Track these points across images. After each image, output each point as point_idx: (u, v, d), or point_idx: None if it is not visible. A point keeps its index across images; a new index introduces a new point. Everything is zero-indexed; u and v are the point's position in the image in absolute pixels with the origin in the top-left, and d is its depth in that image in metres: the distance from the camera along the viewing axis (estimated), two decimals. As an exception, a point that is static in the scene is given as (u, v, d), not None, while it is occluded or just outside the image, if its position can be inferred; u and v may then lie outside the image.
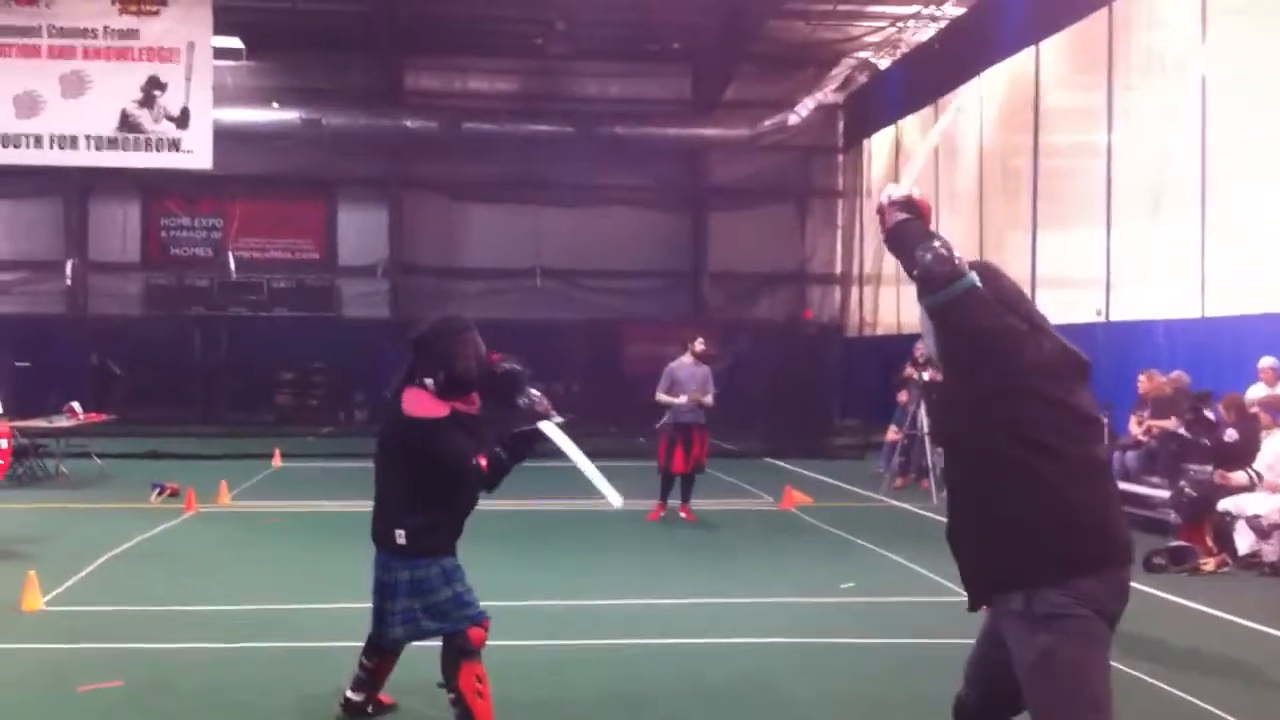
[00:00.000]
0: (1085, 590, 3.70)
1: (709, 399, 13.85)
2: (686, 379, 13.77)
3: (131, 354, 26.78)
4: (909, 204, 3.95)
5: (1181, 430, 13.12)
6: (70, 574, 10.25)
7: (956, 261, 3.76)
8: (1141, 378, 13.97)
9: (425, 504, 5.61)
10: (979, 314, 3.75)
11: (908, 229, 3.90)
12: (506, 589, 9.31)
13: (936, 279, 3.76)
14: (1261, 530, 11.04)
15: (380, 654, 6.06)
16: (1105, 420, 4.18)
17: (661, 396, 13.78)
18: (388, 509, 5.68)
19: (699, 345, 13.99)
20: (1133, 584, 3.92)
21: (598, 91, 28.61)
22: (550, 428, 5.60)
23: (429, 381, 5.56)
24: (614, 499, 5.78)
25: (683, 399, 13.62)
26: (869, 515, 14.86)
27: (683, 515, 13.95)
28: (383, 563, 5.70)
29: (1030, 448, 3.71)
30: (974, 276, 3.77)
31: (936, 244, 3.80)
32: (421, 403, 5.53)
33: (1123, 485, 13.81)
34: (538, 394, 5.65)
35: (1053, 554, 3.70)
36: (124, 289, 28.78)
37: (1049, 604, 3.69)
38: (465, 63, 28.33)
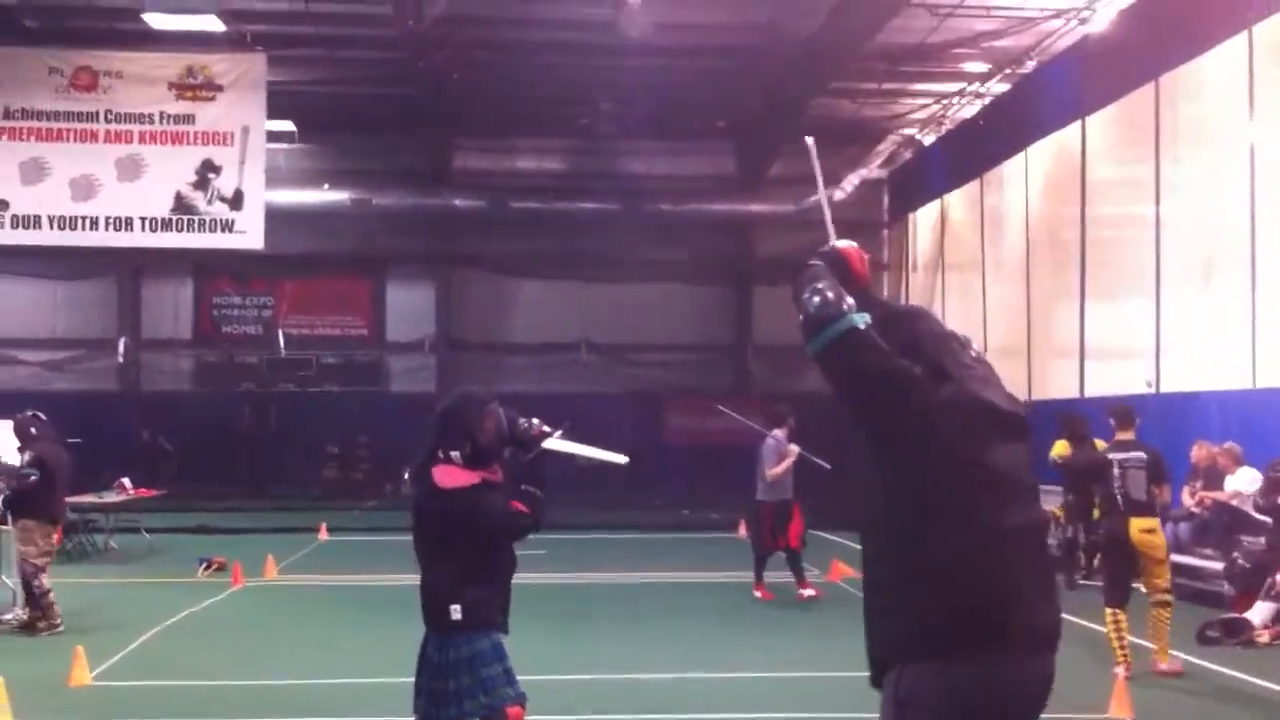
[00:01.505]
0: (962, 676, 3.26)
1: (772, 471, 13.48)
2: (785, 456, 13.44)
3: (182, 429, 27.04)
4: (826, 254, 3.72)
5: (1248, 507, 12.84)
6: (118, 649, 10.28)
7: (843, 305, 3.44)
8: (1195, 448, 13.77)
9: (473, 577, 5.59)
10: (859, 356, 3.42)
11: (805, 274, 3.59)
12: (549, 662, 9.24)
13: (813, 322, 3.45)
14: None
15: None
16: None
17: (776, 471, 13.31)
18: (437, 588, 5.66)
19: (791, 422, 13.79)
20: (1051, 671, 3.38)
21: (643, 169, 28.84)
22: (554, 443, 5.63)
23: (455, 455, 5.58)
24: (619, 459, 5.85)
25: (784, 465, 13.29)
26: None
27: (805, 593, 13.33)
28: (437, 643, 5.65)
29: (920, 510, 3.36)
30: (857, 318, 3.42)
31: (822, 285, 3.50)
32: (452, 475, 5.55)
33: (1176, 557, 13.58)
34: (530, 422, 5.70)
35: (921, 630, 3.31)
36: (175, 366, 29.16)
37: (907, 688, 3.31)
38: (512, 143, 28.68)
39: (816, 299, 3.47)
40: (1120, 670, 9.15)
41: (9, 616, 11.69)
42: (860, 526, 3.63)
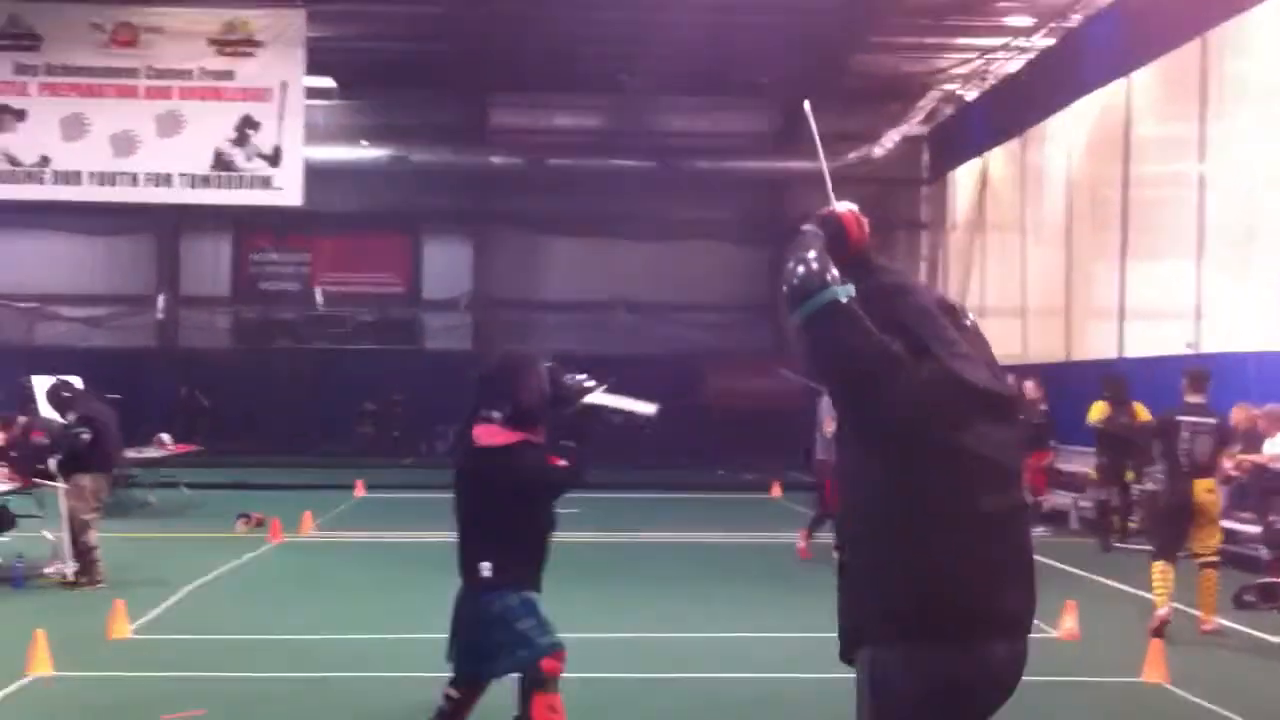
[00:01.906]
0: (930, 659, 3.28)
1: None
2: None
3: (220, 386, 27.23)
4: (823, 219, 3.61)
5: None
6: (157, 603, 10.41)
7: (827, 276, 3.36)
8: (1234, 410, 13.60)
9: (507, 536, 5.63)
10: (838, 331, 3.34)
11: (797, 241, 3.51)
12: (580, 620, 9.27)
13: (795, 293, 3.38)
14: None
15: (468, 687, 5.95)
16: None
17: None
18: (471, 544, 5.70)
19: None
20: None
21: (680, 126, 28.66)
22: (596, 397, 5.67)
23: (496, 415, 5.58)
24: (649, 408, 5.81)
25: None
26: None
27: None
28: (470, 599, 5.69)
29: (895, 491, 3.33)
30: (840, 290, 3.34)
31: (809, 255, 3.41)
32: (492, 434, 5.56)
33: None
34: (574, 377, 5.71)
35: (897, 614, 3.32)
36: (213, 323, 29.33)
37: (880, 671, 3.34)
38: (549, 99, 28.54)
39: (801, 269, 3.40)
40: (1163, 612, 9.41)
41: (51, 570, 11.84)
42: (842, 505, 3.62)
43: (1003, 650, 3.36)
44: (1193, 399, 9.98)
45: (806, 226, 3.57)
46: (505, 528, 5.64)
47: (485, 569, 5.59)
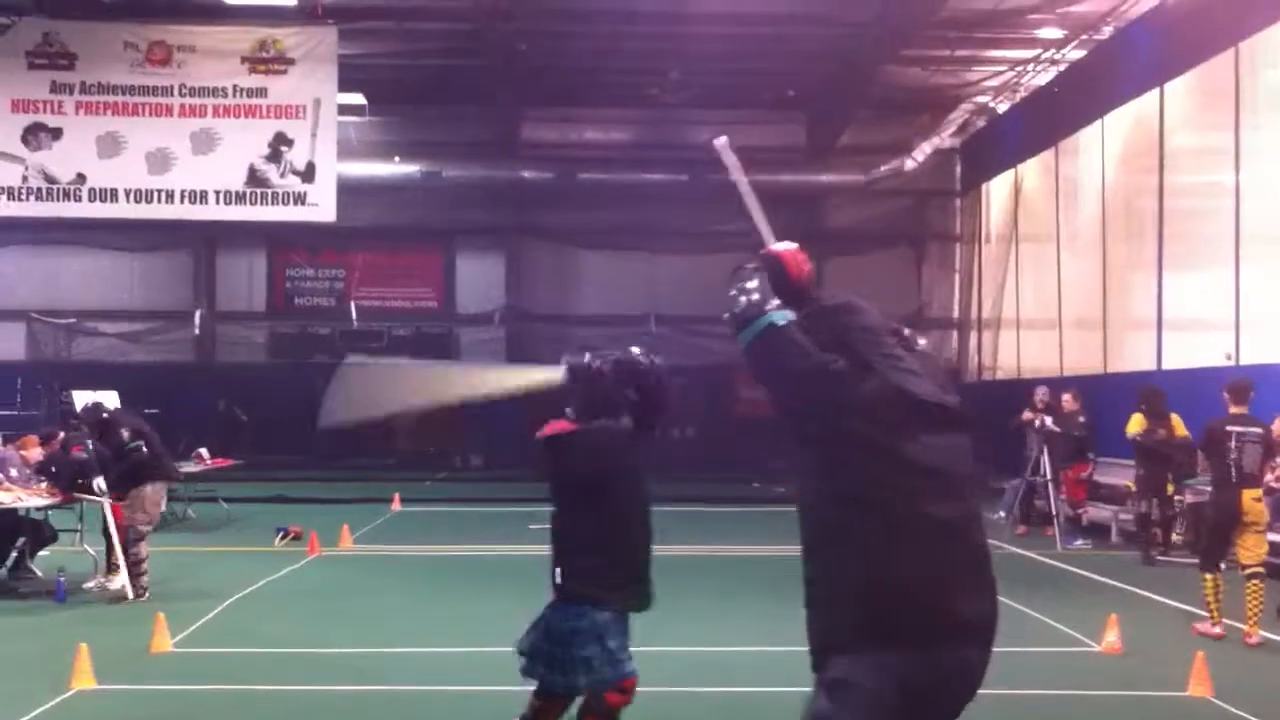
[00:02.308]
0: (882, 664, 3.35)
1: None
2: None
3: (257, 401, 27.41)
4: (764, 258, 3.82)
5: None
6: (197, 616, 10.47)
7: (765, 305, 3.61)
8: (1277, 421, 13.48)
9: (572, 541, 5.50)
10: (779, 353, 3.57)
11: (736, 275, 3.78)
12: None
13: (737, 320, 3.64)
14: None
15: (550, 697, 5.72)
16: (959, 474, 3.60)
17: None
18: (553, 551, 5.59)
19: None
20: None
21: (711, 139, 28.64)
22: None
23: (568, 410, 5.60)
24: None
25: None
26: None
27: None
28: (550, 606, 5.57)
29: (845, 501, 3.45)
30: (778, 316, 3.58)
31: (750, 285, 3.68)
32: (552, 425, 5.55)
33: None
34: (647, 359, 5.73)
35: (849, 622, 3.42)
36: (249, 338, 29.57)
37: (838, 675, 3.42)
38: (580, 113, 28.64)
39: (742, 299, 3.66)
40: (1218, 629, 9.84)
41: (91, 585, 11.95)
42: (798, 519, 3.70)
43: (956, 655, 3.44)
44: (1237, 410, 10.15)
45: (747, 265, 3.81)
46: (568, 530, 5.53)
47: (557, 575, 5.50)
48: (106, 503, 11.76)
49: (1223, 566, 10.02)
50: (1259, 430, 10.03)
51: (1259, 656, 9.48)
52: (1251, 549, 9.94)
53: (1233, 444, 9.90)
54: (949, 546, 3.47)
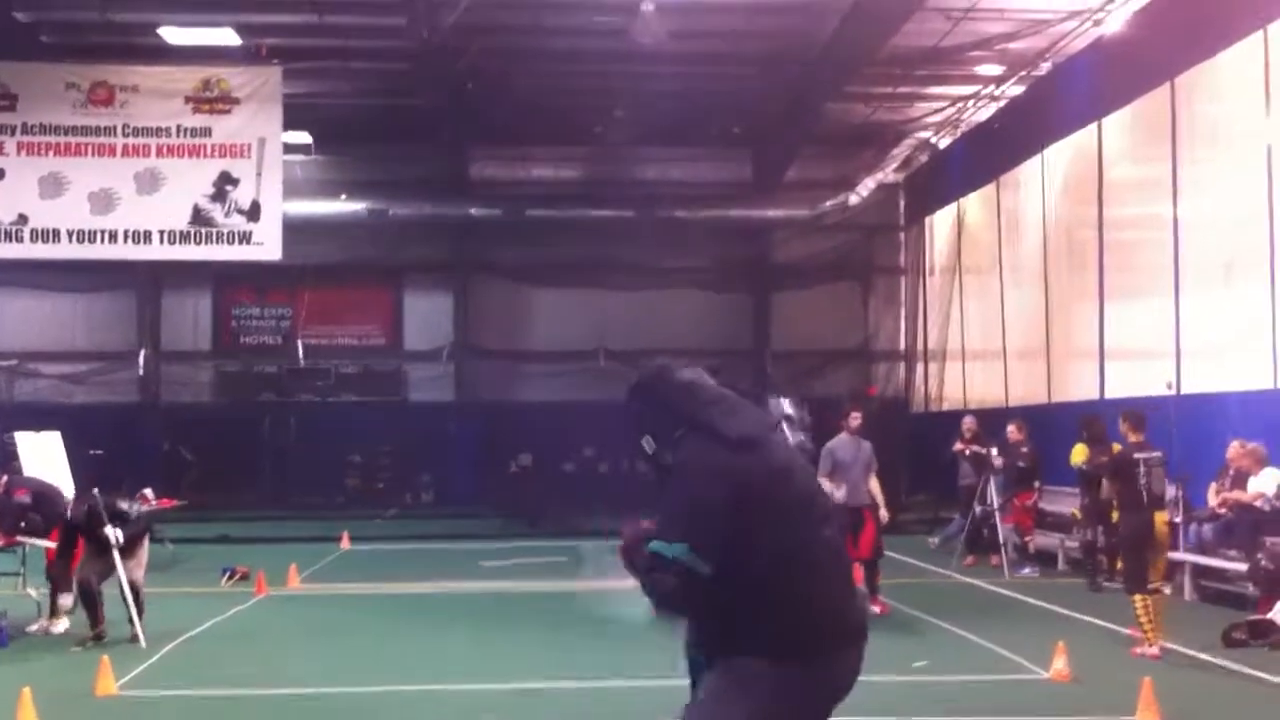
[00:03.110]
0: (804, 671, 3.83)
1: (874, 484, 12.67)
2: (850, 459, 12.55)
3: (203, 440, 27.16)
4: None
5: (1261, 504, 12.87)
6: (143, 659, 10.34)
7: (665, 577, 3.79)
8: (1233, 446, 13.67)
9: None
10: (695, 578, 3.74)
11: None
12: (531, 670, 9.24)
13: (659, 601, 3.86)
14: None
15: None
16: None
17: (824, 482, 11.74)
18: None
19: (854, 420, 12.83)
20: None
21: (658, 175, 28.89)
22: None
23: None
24: None
25: (840, 491, 12.23)
26: (939, 591, 14.65)
27: (875, 609, 12.29)
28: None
29: (760, 557, 3.81)
30: (685, 559, 3.75)
31: (643, 579, 3.87)
32: None
33: (1200, 559, 13.58)
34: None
35: (783, 640, 3.81)
36: (195, 377, 29.28)
37: (746, 669, 3.81)
38: (528, 151, 28.72)
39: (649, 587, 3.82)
40: (1154, 650, 10.19)
41: (34, 628, 11.77)
42: None
43: (854, 654, 3.97)
44: (1136, 438, 10.70)
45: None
46: None
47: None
48: (46, 545, 11.61)
49: (1150, 586, 10.33)
50: (1160, 454, 10.63)
51: (1205, 679, 9.60)
52: (1160, 568, 10.66)
53: (1141, 469, 10.44)
54: (837, 564, 4.03)
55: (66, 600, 11.82)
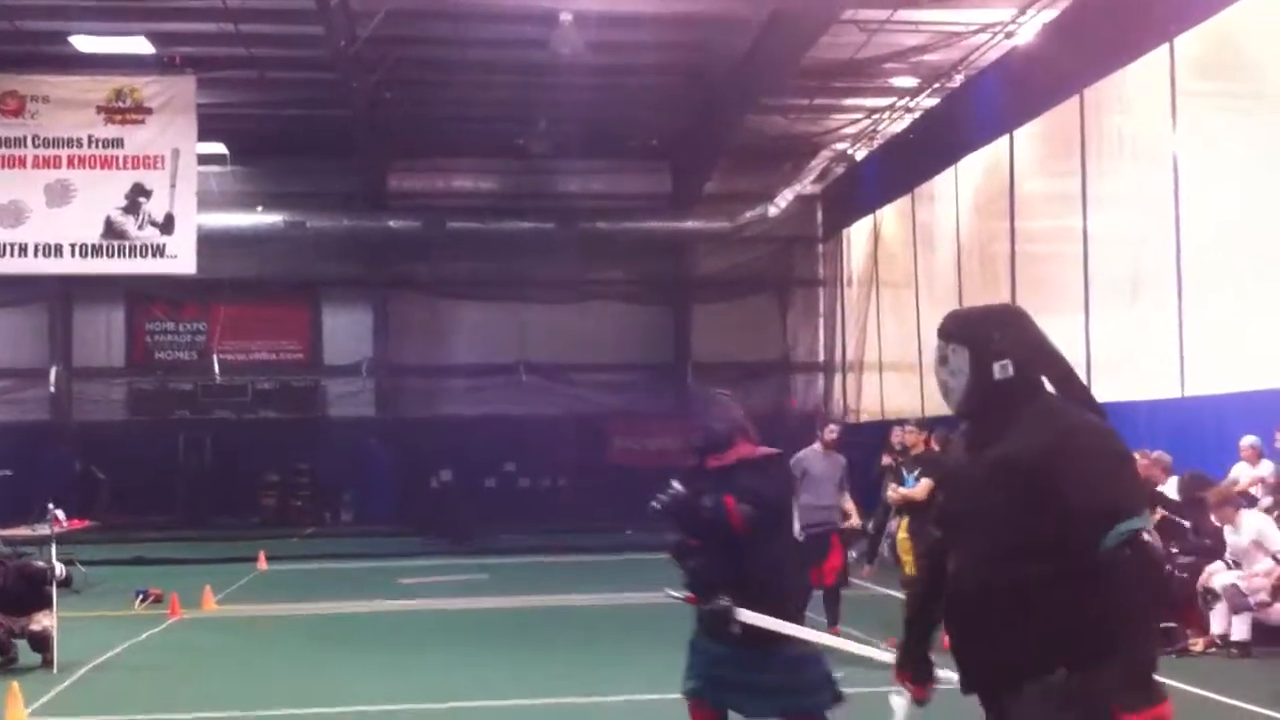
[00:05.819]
0: None
1: (848, 502, 12.15)
2: (821, 475, 11.89)
3: (116, 459, 26.64)
4: None
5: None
6: (53, 685, 10.12)
7: None
8: (1137, 456, 13.88)
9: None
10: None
11: None
12: (497, 688, 9.19)
13: None
14: (1238, 604, 10.99)
15: None
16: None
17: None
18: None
19: (830, 433, 12.36)
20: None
21: (579, 188, 28.91)
22: None
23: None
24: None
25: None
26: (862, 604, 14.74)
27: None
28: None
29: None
30: None
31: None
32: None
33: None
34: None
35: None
36: (108, 394, 28.74)
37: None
38: (448, 163, 28.63)
39: None
40: None
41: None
42: None
43: None
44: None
45: None
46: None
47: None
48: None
49: None
50: None
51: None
52: None
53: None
54: None
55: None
